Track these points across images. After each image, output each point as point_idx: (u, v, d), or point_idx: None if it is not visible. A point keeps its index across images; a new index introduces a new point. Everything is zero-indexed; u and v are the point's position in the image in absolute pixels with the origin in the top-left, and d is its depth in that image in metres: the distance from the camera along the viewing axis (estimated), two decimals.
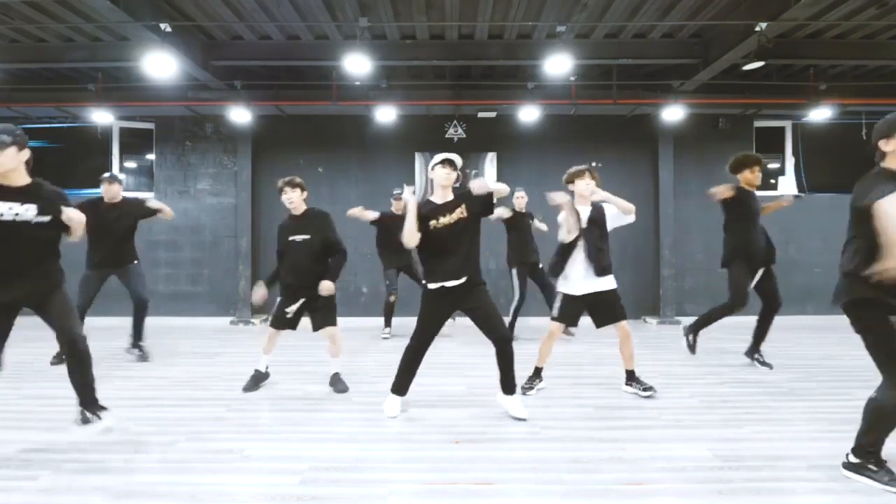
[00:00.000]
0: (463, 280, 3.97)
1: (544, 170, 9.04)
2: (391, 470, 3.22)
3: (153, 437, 3.71)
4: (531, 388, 4.74)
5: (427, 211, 4.07)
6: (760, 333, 5.57)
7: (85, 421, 3.49)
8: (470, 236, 4.05)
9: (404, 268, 7.43)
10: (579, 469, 3.22)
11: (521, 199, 7.01)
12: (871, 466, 3.00)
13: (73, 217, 3.30)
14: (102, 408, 3.56)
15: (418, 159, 9.01)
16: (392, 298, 7.39)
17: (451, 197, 4.14)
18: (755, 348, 5.61)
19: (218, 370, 5.64)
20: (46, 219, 3.25)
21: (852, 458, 3.07)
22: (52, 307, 3.39)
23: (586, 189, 4.53)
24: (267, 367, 4.97)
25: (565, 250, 4.57)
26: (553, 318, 4.68)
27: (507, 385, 4.13)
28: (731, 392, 4.76)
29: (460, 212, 4.04)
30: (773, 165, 9.38)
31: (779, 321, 6.00)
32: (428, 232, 4.02)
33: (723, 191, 5.22)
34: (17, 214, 3.19)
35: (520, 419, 4.04)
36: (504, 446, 3.56)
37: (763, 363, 5.53)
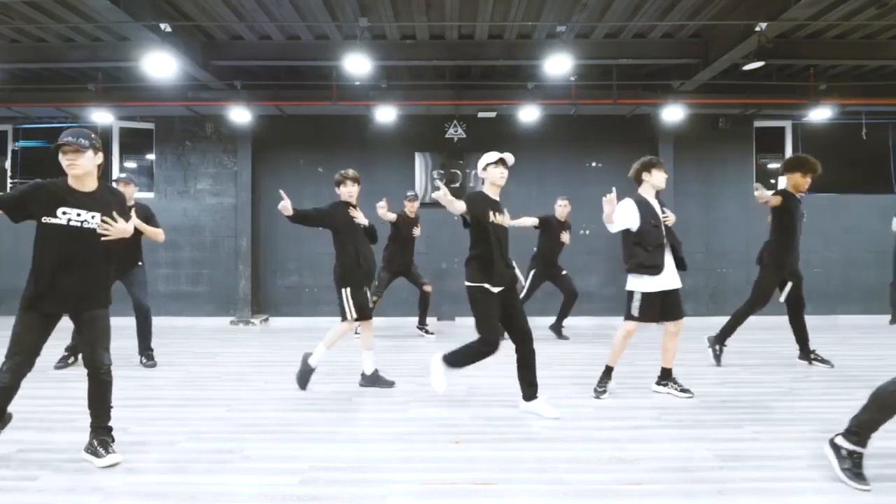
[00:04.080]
0: (506, 286, 4.11)
1: (544, 170, 9.04)
2: (391, 470, 3.22)
3: (153, 437, 3.71)
4: (605, 392, 4.63)
5: (487, 203, 4.14)
6: (800, 336, 5.67)
7: (92, 452, 3.28)
8: (506, 239, 4.23)
9: (404, 271, 7.38)
10: (579, 469, 3.22)
11: (563, 208, 7.16)
12: (842, 450, 3.03)
13: (118, 227, 3.24)
14: (111, 438, 3.36)
15: (418, 159, 9.00)
16: (374, 298, 7.20)
17: (498, 198, 4.25)
18: (805, 350, 5.69)
19: (218, 370, 5.64)
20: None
21: (838, 440, 3.08)
22: (91, 323, 3.32)
23: (663, 181, 4.52)
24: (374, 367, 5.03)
25: (659, 249, 4.40)
26: (632, 318, 4.45)
27: (529, 391, 4.21)
28: (731, 392, 4.76)
29: (503, 217, 4.23)
30: (773, 165, 9.39)
31: (779, 321, 6.01)
32: (485, 224, 4.05)
33: (770, 197, 5.23)
34: (83, 221, 3.17)
35: (554, 418, 4.06)
36: (504, 446, 3.56)
37: (822, 360, 5.60)
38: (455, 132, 9.05)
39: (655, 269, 4.36)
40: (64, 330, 4.00)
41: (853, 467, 2.98)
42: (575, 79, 7.87)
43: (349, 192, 4.78)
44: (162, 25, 5.89)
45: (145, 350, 5.87)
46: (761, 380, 5.14)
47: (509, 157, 4.24)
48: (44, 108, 8.54)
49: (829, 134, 9.03)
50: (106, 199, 3.27)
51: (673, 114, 8.18)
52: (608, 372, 4.67)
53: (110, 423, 3.39)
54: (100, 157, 3.25)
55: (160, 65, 6.29)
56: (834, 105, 8.13)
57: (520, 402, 4.28)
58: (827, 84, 8.08)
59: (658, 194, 4.60)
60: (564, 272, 7.27)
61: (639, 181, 4.58)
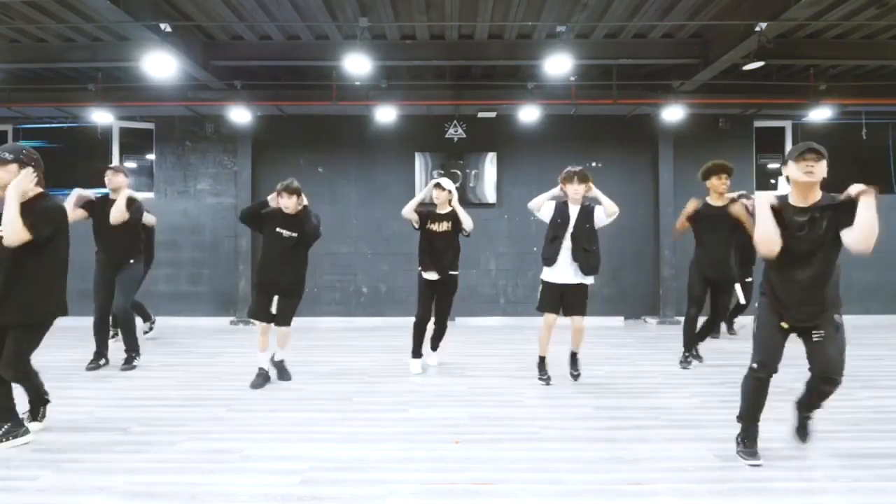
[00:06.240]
0: (440, 277, 5.28)
1: (544, 170, 9.01)
2: (391, 470, 3.22)
3: (153, 437, 3.71)
4: (547, 378, 5.06)
5: (428, 214, 5.36)
6: (700, 336, 5.72)
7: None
8: (450, 243, 5.34)
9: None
10: (579, 469, 3.22)
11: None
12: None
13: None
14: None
15: (418, 159, 9.00)
16: None
17: (447, 210, 5.37)
18: (691, 346, 5.76)
19: (218, 370, 5.64)
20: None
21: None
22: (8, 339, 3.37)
23: (576, 193, 4.84)
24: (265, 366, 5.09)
25: (554, 242, 4.89)
26: (538, 308, 5.00)
27: (433, 345, 5.64)
28: (732, 392, 4.73)
29: (447, 226, 5.30)
30: (774, 165, 9.39)
31: None
32: (425, 230, 5.33)
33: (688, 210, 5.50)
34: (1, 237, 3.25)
35: (435, 365, 5.58)
36: (504, 446, 3.56)
37: (697, 356, 5.72)
38: (455, 132, 9.04)
39: (548, 260, 4.89)
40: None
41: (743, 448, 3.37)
42: (575, 79, 7.87)
43: (285, 204, 4.83)
44: (162, 25, 5.88)
45: (126, 351, 5.54)
46: None
47: (446, 182, 5.35)
48: (44, 108, 8.53)
49: (829, 134, 9.01)
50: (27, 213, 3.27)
51: (673, 114, 8.17)
52: (541, 361, 5.11)
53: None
54: (27, 172, 3.33)
55: (160, 65, 6.28)
56: (834, 105, 8.12)
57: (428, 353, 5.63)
58: (827, 84, 8.07)
59: (584, 202, 4.92)
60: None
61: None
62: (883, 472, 3.13)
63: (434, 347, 5.69)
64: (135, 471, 3.18)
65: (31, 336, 3.43)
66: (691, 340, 5.64)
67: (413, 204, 5.34)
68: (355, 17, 6.30)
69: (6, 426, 3.47)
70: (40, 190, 3.44)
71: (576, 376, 5.08)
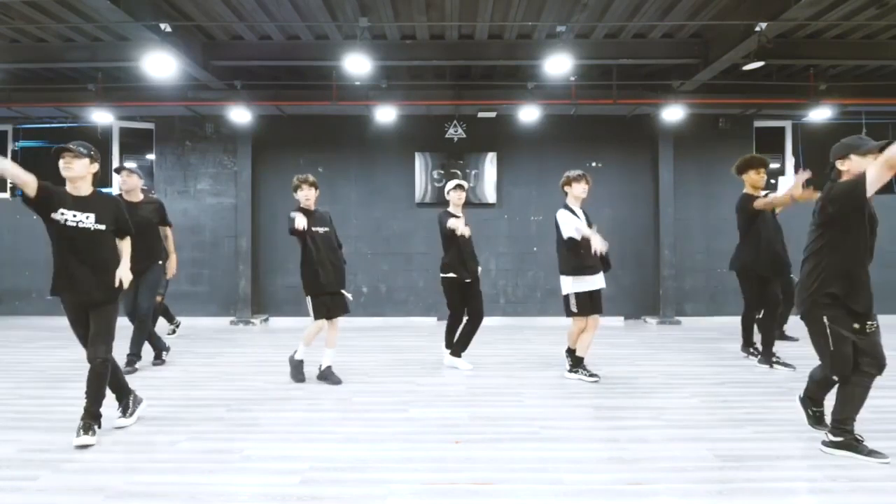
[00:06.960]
0: (471, 278, 5.45)
1: (544, 170, 9.04)
2: (391, 470, 3.22)
3: (153, 436, 3.71)
4: (593, 375, 5.08)
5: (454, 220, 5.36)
6: (769, 336, 5.59)
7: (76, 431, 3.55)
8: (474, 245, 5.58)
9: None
10: (579, 469, 3.22)
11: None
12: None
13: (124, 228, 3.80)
14: (97, 424, 3.65)
15: (418, 159, 9.00)
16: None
17: (461, 213, 5.44)
18: (750, 344, 5.80)
19: (218, 370, 5.64)
20: (103, 227, 3.61)
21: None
22: (96, 319, 3.62)
23: (584, 192, 5.02)
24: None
25: (588, 247, 4.84)
26: (575, 315, 5.06)
27: (458, 349, 5.59)
28: (731, 392, 4.76)
29: (469, 228, 5.38)
30: (774, 165, 9.38)
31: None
32: (454, 237, 5.33)
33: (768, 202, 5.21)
34: (79, 222, 3.55)
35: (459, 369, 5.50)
36: (504, 446, 3.56)
37: (754, 354, 5.70)
38: (455, 132, 9.04)
39: (593, 268, 4.96)
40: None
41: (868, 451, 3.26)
42: (575, 79, 7.87)
43: (306, 196, 4.93)
44: (162, 25, 5.88)
45: (129, 355, 5.44)
46: (761, 380, 5.14)
47: (464, 183, 5.55)
48: (44, 108, 8.53)
49: (829, 134, 9.01)
50: (99, 204, 3.64)
51: (673, 114, 8.17)
52: (581, 361, 5.17)
53: (99, 410, 3.63)
54: (95, 167, 3.64)
55: (160, 65, 6.28)
56: (834, 105, 8.12)
57: (445, 356, 5.64)
58: (827, 84, 8.07)
59: (582, 203, 5.13)
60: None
61: (564, 193, 5.14)
62: (883, 471, 3.13)
63: (457, 352, 5.65)
64: (135, 471, 3.18)
65: (116, 310, 3.75)
66: (768, 344, 5.53)
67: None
68: (355, 17, 6.30)
69: (129, 399, 3.90)
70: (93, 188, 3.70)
71: (595, 375, 5.13)
